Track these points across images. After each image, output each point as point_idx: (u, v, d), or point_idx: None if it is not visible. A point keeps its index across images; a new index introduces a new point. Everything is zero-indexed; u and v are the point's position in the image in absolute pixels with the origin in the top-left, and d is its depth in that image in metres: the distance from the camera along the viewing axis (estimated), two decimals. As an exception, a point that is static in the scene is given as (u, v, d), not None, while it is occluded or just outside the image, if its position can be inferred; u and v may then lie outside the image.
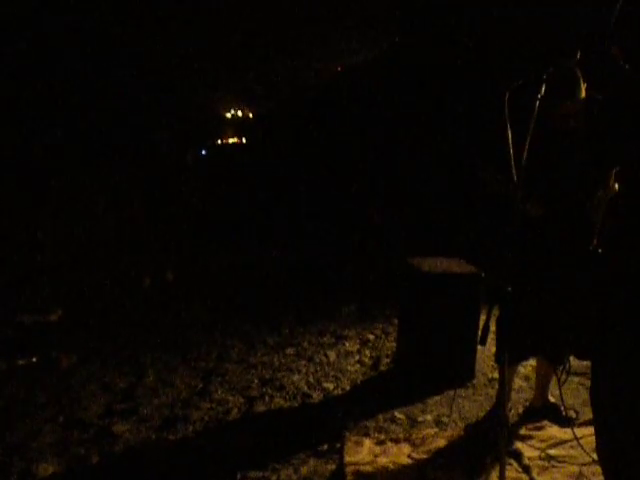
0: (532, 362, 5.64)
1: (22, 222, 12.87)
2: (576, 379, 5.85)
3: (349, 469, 4.37)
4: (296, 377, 6.30)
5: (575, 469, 4.21)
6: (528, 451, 4.47)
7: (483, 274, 5.79)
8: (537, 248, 4.45)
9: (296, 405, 5.72)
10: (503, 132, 3.64)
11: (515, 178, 3.51)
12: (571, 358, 5.37)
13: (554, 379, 5.13)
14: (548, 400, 5.13)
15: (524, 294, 3.72)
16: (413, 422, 5.22)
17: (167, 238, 13.61)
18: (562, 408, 4.92)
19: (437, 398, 5.63)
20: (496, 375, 5.86)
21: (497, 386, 5.42)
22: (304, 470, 4.54)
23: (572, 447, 4.43)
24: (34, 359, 6.77)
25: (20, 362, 6.70)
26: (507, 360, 3.71)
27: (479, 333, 5.60)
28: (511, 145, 3.52)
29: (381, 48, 20.85)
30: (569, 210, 4.56)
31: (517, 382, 5.88)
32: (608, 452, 3.11)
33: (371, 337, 7.36)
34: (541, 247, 4.45)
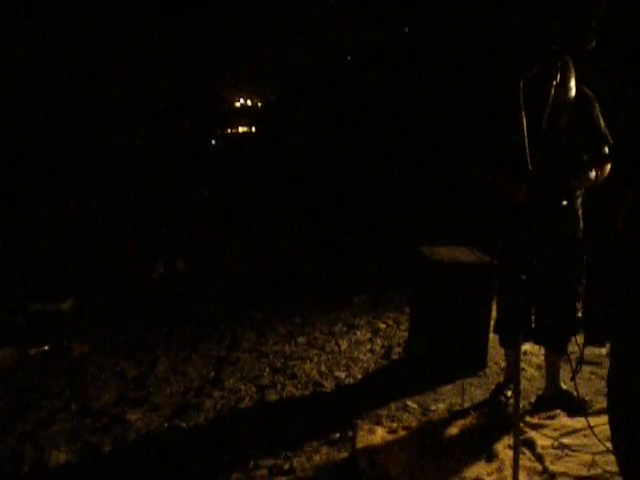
0: (543, 351, 5.62)
1: (34, 212, 12.90)
2: (588, 368, 5.84)
3: (362, 457, 4.38)
4: (308, 366, 6.30)
5: (588, 458, 4.20)
6: (541, 440, 4.47)
7: (495, 262, 5.76)
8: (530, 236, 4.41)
9: (308, 394, 5.72)
10: (517, 120, 3.63)
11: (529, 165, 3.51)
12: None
13: (566, 368, 5.14)
14: (561, 389, 5.13)
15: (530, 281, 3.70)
16: (425, 410, 5.21)
17: (179, 227, 13.62)
18: (575, 397, 4.92)
19: (449, 387, 5.62)
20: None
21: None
22: (317, 458, 4.55)
23: (585, 436, 4.42)
24: (46, 348, 6.78)
25: (32, 351, 6.72)
26: (518, 346, 3.70)
27: (491, 322, 5.64)
28: (526, 133, 3.52)
29: (391, 37, 20.81)
30: (554, 196, 4.56)
31: (529, 371, 5.88)
32: (623, 442, 3.11)
33: (382, 326, 7.36)
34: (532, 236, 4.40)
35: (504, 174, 4.74)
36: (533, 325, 4.92)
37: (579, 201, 4.88)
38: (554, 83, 3.64)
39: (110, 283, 9.54)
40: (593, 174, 4.66)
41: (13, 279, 9.39)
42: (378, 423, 4.95)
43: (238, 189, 19.93)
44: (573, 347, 5.67)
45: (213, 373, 6.22)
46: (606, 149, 4.69)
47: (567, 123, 4.60)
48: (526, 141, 3.54)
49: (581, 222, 4.89)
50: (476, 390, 5.57)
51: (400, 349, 6.63)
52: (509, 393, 5.18)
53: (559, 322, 4.92)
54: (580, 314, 5.08)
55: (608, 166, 4.68)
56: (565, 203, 4.45)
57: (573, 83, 4.60)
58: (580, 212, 4.90)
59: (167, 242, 12.03)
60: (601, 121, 4.80)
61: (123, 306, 8.48)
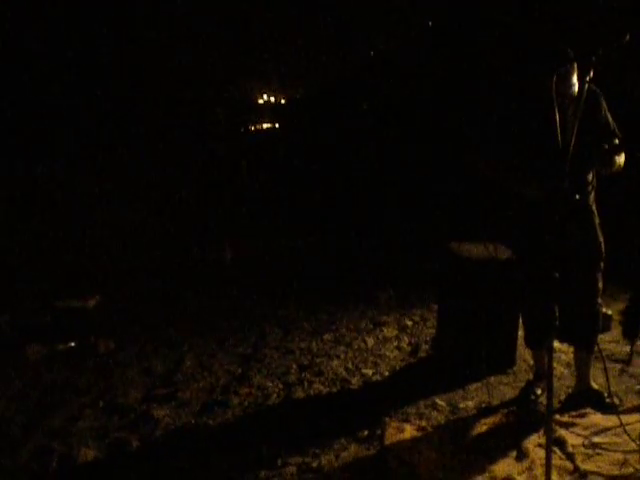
0: (572, 349, 5.58)
1: (60, 207, 12.93)
2: (618, 366, 5.79)
3: (390, 455, 4.36)
4: (335, 363, 6.28)
5: (620, 456, 4.16)
6: (572, 438, 4.43)
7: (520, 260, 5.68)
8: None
9: (335, 391, 5.70)
10: (550, 115, 3.60)
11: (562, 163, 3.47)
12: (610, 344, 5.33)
13: (596, 366, 5.11)
14: (591, 387, 5.08)
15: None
16: (454, 408, 5.18)
17: (206, 223, 13.64)
18: (606, 395, 4.87)
19: (478, 385, 5.58)
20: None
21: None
22: (345, 456, 4.53)
23: (616, 434, 4.38)
24: (73, 345, 6.80)
25: (59, 348, 6.74)
26: (550, 344, 3.66)
27: (520, 319, 5.60)
28: (559, 128, 3.48)
29: (414, 33, 20.74)
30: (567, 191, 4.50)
31: (559, 369, 5.82)
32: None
33: (409, 323, 7.32)
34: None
35: (517, 172, 4.73)
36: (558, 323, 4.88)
37: (592, 196, 4.84)
38: (587, 78, 3.60)
39: (136, 280, 9.56)
40: (621, 158, 4.65)
41: (40, 276, 9.43)
42: (406, 421, 4.93)
43: (264, 185, 19.92)
44: (603, 346, 5.67)
45: (240, 370, 6.21)
46: (616, 142, 4.65)
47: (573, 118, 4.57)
48: (559, 136, 3.51)
49: (596, 218, 4.85)
50: (505, 388, 5.53)
51: (427, 346, 6.59)
52: (538, 391, 5.15)
53: (583, 318, 4.87)
54: (602, 309, 5.07)
55: (622, 157, 4.66)
56: (578, 197, 4.40)
57: (575, 79, 4.56)
58: (594, 207, 4.86)
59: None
60: (609, 115, 4.78)
61: (148, 303, 8.49)
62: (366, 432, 4.82)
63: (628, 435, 4.13)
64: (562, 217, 3.64)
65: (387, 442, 4.53)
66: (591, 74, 3.58)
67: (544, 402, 3.83)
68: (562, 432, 4.51)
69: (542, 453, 3.71)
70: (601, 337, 5.70)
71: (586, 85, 3.53)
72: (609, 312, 6.38)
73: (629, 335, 4.65)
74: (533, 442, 4.40)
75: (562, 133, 3.85)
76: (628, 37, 3.46)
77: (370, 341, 6.83)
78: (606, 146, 4.55)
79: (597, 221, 4.86)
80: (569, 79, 4.54)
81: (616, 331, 6.39)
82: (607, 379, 4.32)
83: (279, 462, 4.46)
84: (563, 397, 5.22)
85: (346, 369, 6.13)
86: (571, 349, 5.34)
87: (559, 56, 4.32)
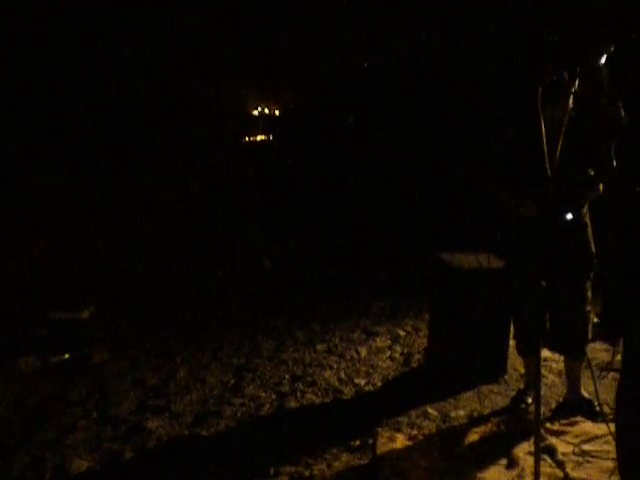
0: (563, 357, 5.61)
1: (57, 220, 12.95)
2: (609, 374, 5.81)
3: (382, 464, 4.38)
4: (327, 373, 6.31)
5: (610, 464, 4.18)
6: (562, 446, 4.46)
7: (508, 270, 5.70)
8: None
9: (328, 401, 5.72)
10: (536, 127, 3.63)
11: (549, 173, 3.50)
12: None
13: (586, 374, 5.13)
14: (581, 395, 5.11)
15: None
16: (445, 417, 5.21)
17: (198, 234, 13.64)
18: (596, 403, 4.90)
19: (469, 394, 5.61)
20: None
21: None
22: (337, 465, 4.55)
23: (606, 442, 4.40)
24: (67, 356, 6.81)
25: (53, 359, 6.74)
26: (538, 352, 3.69)
27: (511, 328, 5.63)
28: (545, 140, 3.51)
29: (408, 45, 20.81)
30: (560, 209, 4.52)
31: (550, 377, 5.86)
32: (629, 454, 3.10)
33: (402, 333, 7.35)
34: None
35: (509, 189, 4.77)
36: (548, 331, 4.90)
37: (584, 209, 4.87)
38: (572, 90, 3.64)
39: (130, 291, 9.57)
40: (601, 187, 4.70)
41: (34, 288, 9.44)
42: (398, 430, 4.95)
43: (255, 194, 19.96)
44: (594, 354, 5.70)
45: (233, 380, 6.23)
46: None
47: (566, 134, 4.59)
48: (545, 148, 3.54)
49: (589, 228, 4.88)
50: (496, 397, 5.56)
51: (420, 356, 6.62)
52: (529, 400, 5.17)
53: (572, 327, 4.90)
54: (593, 318, 5.11)
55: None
56: (570, 216, 4.44)
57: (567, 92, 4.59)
58: (587, 218, 4.89)
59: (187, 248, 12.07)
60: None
61: (142, 314, 8.50)
62: (358, 441, 4.85)
63: (617, 443, 4.15)
64: (553, 232, 3.69)
65: (379, 451, 4.55)
66: (576, 85, 3.62)
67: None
68: (552, 440, 4.54)
69: (532, 461, 3.73)
70: (592, 346, 5.74)
71: (571, 96, 3.57)
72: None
73: (607, 338, 4.68)
74: (523, 450, 4.43)
75: (553, 149, 3.87)
76: (612, 49, 3.50)
77: (363, 351, 6.85)
78: (592, 172, 4.61)
79: (589, 232, 4.89)
80: (559, 93, 4.56)
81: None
82: (595, 387, 4.35)
83: (271, 471, 4.48)
84: (554, 405, 5.25)
85: (339, 379, 6.15)
86: (562, 358, 5.37)
87: (544, 69, 4.35)
